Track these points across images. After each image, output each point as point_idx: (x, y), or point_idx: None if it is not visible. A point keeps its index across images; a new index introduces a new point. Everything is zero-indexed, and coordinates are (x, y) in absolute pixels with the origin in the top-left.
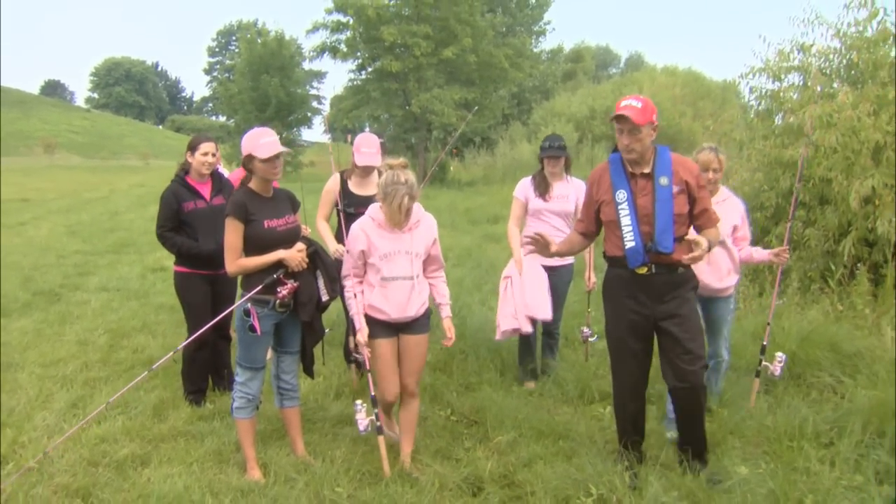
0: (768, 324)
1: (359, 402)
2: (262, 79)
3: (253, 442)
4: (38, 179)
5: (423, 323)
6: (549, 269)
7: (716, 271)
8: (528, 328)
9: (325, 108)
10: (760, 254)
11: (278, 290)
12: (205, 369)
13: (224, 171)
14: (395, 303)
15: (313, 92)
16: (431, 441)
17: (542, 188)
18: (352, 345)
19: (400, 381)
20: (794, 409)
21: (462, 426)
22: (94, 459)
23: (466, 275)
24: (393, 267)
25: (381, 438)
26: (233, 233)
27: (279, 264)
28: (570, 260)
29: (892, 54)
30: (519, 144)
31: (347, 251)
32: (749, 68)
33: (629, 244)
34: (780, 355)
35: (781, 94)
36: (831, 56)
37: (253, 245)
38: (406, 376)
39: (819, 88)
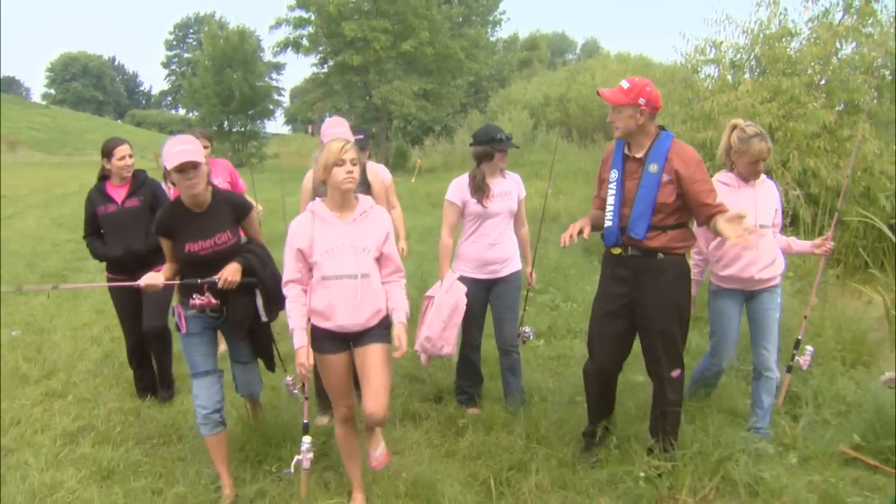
0: (805, 317)
1: (306, 440)
2: (225, 73)
3: (222, 459)
4: (6, 176)
5: (378, 333)
6: (497, 280)
7: (760, 258)
8: (424, 362)
9: (286, 99)
10: (800, 244)
11: (193, 297)
12: (149, 373)
13: None
14: (340, 307)
15: (273, 84)
16: (401, 367)
17: (482, 191)
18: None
19: (364, 410)
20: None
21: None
22: None
23: (428, 249)
24: (335, 263)
25: (304, 474)
26: (164, 246)
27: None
28: (517, 266)
29: (788, 49)
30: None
31: (286, 252)
32: (672, 62)
33: (607, 223)
34: (809, 348)
35: (697, 84)
36: (740, 51)
37: (185, 265)
38: (370, 400)
39: (730, 78)
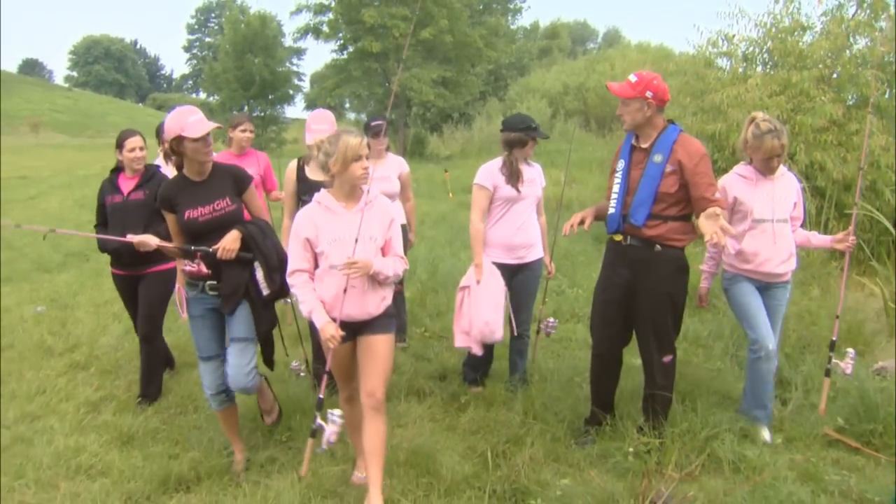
0: (837, 317)
1: (335, 412)
2: (246, 58)
3: (232, 430)
4: (29, 158)
5: (384, 322)
6: (521, 266)
7: (777, 254)
8: (479, 351)
9: (306, 84)
10: (819, 239)
11: (185, 264)
12: (150, 373)
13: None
14: (348, 297)
15: (293, 69)
16: (412, 347)
17: (515, 176)
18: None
19: (362, 390)
20: None
21: (434, 340)
22: None
23: (440, 234)
24: (343, 252)
25: (310, 442)
26: (169, 223)
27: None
28: (540, 254)
29: (801, 43)
30: (495, 119)
31: (291, 242)
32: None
33: (611, 210)
34: (850, 351)
35: (708, 76)
36: (751, 45)
37: (184, 235)
38: (369, 379)
39: (742, 70)
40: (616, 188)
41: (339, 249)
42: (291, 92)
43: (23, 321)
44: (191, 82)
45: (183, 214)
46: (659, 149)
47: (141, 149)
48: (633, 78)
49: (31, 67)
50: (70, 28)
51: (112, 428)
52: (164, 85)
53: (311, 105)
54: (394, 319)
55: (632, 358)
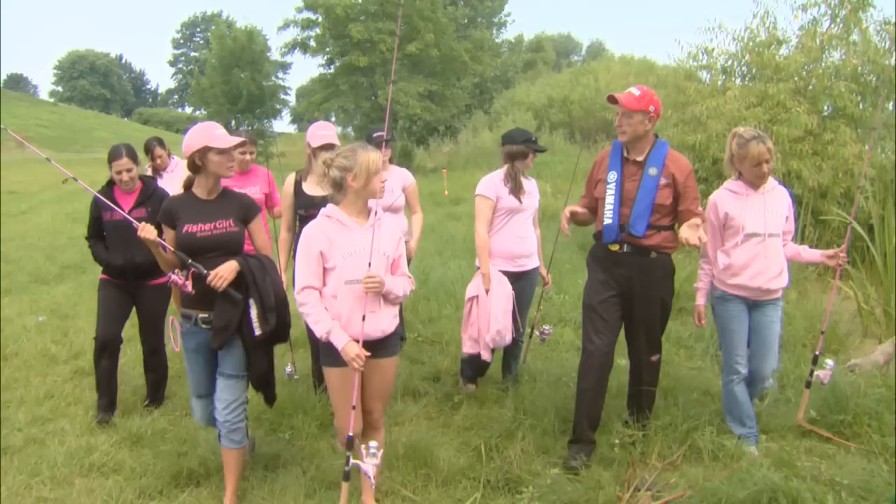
0: (822, 332)
1: (373, 444)
2: (233, 73)
3: (232, 471)
4: (16, 173)
5: (394, 343)
6: (520, 274)
7: (768, 268)
8: (488, 357)
9: (292, 98)
10: (810, 253)
11: (171, 274)
12: (110, 380)
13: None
14: (360, 312)
15: (280, 83)
16: (405, 353)
17: (518, 187)
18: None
19: (364, 406)
20: None
21: (426, 344)
22: None
23: (430, 245)
24: (358, 267)
25: (344, 486)
26: (167, 239)
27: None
28: (537, 263)
29: (777, 56)
30: (481, 132)
31: (300, 257)
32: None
33: (607, 220)
34: (829, 362)
35: (688, 89)
36: (730, 58)
37: (181, 251)
38: (371, 401)
39: (721, 83)
40: (611, 199)
41: (355, 264)
42: (278, 106)
43: (26, 331)
44: (176, 97)
45: (182, 228)
46: (653, 162)
47: (128, 170)
48: (636, 91)
49: (16, 82)
50: (54, 42)
51: (121, 429)
52: (150, 99)
53: (297, 119)
54: (398, 340)
55: (617, 358)
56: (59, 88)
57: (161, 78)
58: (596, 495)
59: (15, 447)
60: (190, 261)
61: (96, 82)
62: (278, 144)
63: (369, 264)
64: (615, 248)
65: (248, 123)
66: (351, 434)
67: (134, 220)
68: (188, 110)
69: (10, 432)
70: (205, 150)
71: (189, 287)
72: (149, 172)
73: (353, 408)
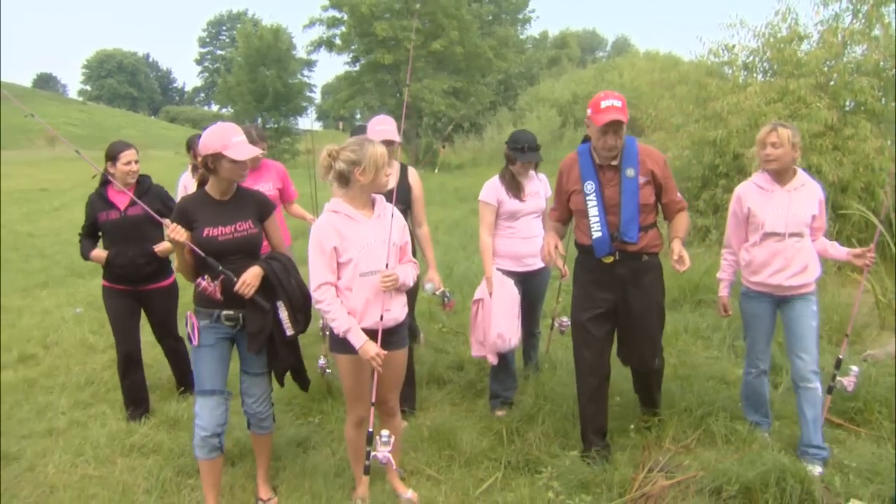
0: (846, 335)
1: (384, 433)
2: (259, 71)
3: (213, 486)
4: (46, 171)
5: (403, 333)
6: (530, 273)
7: (788, 266)
8: (494, 360)
9: (317, 96)
10: (837, 250)
11: (203, 277)
12: (140, 390)
13: None
14: (377, 302)
15: (305, 80)
16: (431, 343)
17: (516, 188)
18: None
19: (377, 399)
20: None
21: (451, 335)
22: None
23: (454, 239)
24: (372, 259)
25: (365, 479)
26: None
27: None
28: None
29: (798, 52)
30: (506, 129)
31: (315, 255)
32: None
33: (596, 234)
34: (854, 368)
35: (710, 85)
36: (751, 54)
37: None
38: (386, 391)
39: (742, 79)
40: (594, 211)
41: (370, 256)
42: (304, 104)
43: (64, 321)
44: (203, 95)
45: (202, 231)
46: (628, 163)
47: (136, 162)
48: (618, 103)
49: (46, 82)
50: (83, 42)
51: (159, 413)
52: (177, 97)
53: (322, 116)
54: (407, 329)
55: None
56: (88, 87)
57: (188, 76)
58: (611, 476)
59: (59, 429)
60: (221, 267)
61: (124, 81)
62: (305, 142)
63: (387, 265)
64: (609, 259)
65: (275, 121)
66: (371, 430)
67: (161, 219)
68: (214, 108)
69: (55, 415)
70: (218, 156)
71: (218, 293)
72: (189, 170)
73: (373, 404)
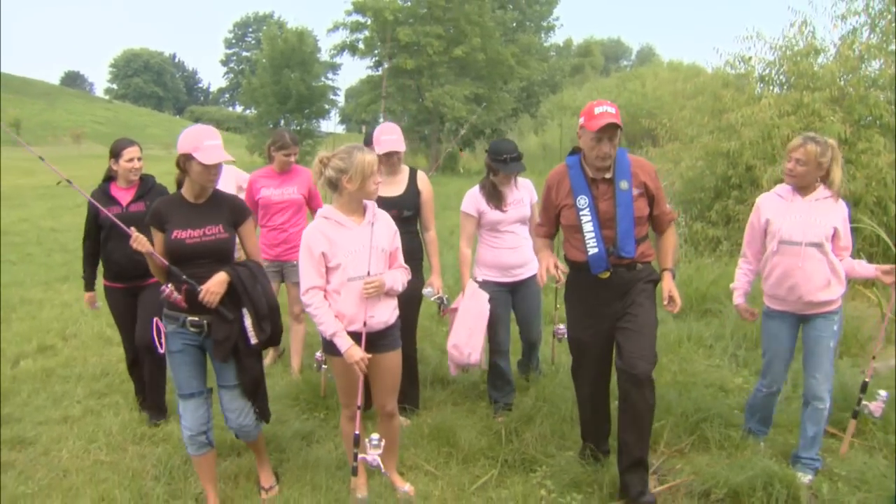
0: (874, 357)
1: (374, 436)
2: (283, 73)
3: (210, 478)
4: (72, 167)
5: (395, 336)
6: (519, 283)
7: (809, 279)
8: (453, 371)
9: (341, 99)
10: (865, 268)
11: (165, 287)
12: (152, 385)
13: (233, 168)
14: (362, 310)
15: (329, 84)
16: (437, 345)
17: (497, 198)
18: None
19: (375, 402)
20: None
21: None
22: None
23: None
24: (359, 264)
25: (352, 480)
26: (155, 242)
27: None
28: (535, 269)
29: (815, 66)
30: (527, 136)
31: (304, 259)
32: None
33: (592, 250)
34: (882, 393)
35: (724, 96)
36: (767, 66)
37: (167, 257)
38: (382, 396)
39: (758, 91)
40: (589, 226)
41: (357, 261)
42: (327, 107)
43: (83, 314)
44: (227, 95)
45: (171, 234)
46: (621, 175)
47: (139, 159)
48: (611, 109)
49: (73, 79)
50: (110, 41)
51: (170, 405)
52: (202, 98)
53: (345, 120)
54: (399, 332)
55: None
56: (114, 86)
57: (213, 77)
58: (603, 476)
59: (74, 417)
60: (184, 276)
61: (150, 80)
62: (327, 145)
63: (368, 272)
64: (605, 275)
65: (298, 123)
66: (357, 433)
67: (126, 229)
68: (239, 109)
69: (71, 404)
70: (189, 157)
71: (182, 302)
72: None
73: (359, 408)
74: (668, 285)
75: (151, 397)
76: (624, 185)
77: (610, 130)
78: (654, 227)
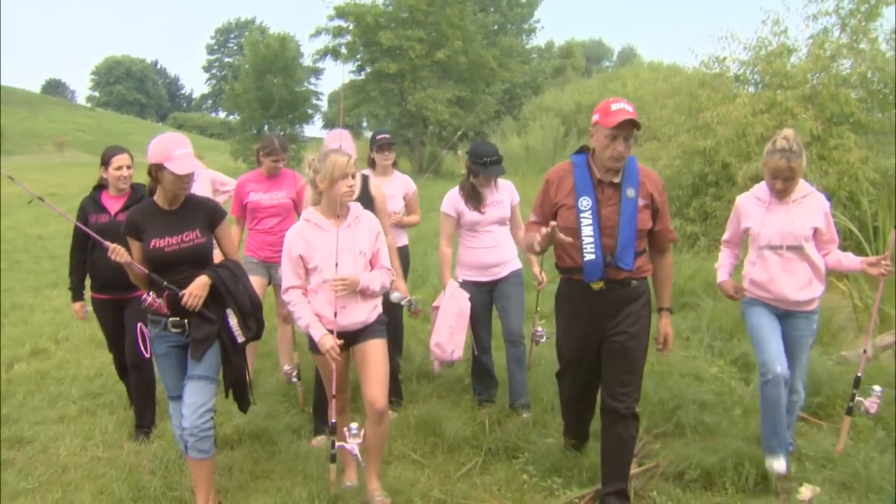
0: (864, 351)
1: (353, 426)
2: (266, 78)
3: (203, 483)
4: (55, 176)
5: (377, 329)
6: (500, 280)
7: (791, 279)
8: (437, 368)
9: (324, 104)
10: (851, 261)
11: (146, 296)
12: (140, 406)
13: (209, 170)
14: (342, 308)
15: (311, 88)
16: (422, 341)
17: (476, 199)
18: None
19: (364, 399)
20: None
21: None
22: None
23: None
24: (333, 267)
25: (332, 467)
26: (133, 251)
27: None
28: (516, 266)
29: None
30: (510, 138)
31: (284, 260)
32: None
33: (589, 256)
34: (877, 388)
35: (700, 96)
36: (742, 66)
37: (147, 266)
38: (369, 387)
39: (734, 90)
40: (588, 231)
41: (331, 264)
42: (310, 111)
43: (74, 319)
44: (210, 102)
45: (149, 243)
46: (629, 182)
47: (128, 167)
48: (628, 107)
49: (55, 88)
50: (92, 49)
51: (163, 403)
52: (184, 104)
53: (328, 124)
54: (384, 326)
55: None
56: (96, 93)
57: (195, 83)
58: (582, 461)
59: (70, 416)
60: (165, 283)
61: (132, 87)
62: (311, 149)
63: (335, 265)
64: (599, 286)
65: (281, 128)
66: (334, 421)
67: (104, 242)
68: (222, 115)
69: (66, 404)
70: (160, 167)
71: (164, 308)
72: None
73: (334, 397)
74: (664, 328)
75: (139, 419)
76: (630, 192)
77: (627, 128)
78: (651, 245)
